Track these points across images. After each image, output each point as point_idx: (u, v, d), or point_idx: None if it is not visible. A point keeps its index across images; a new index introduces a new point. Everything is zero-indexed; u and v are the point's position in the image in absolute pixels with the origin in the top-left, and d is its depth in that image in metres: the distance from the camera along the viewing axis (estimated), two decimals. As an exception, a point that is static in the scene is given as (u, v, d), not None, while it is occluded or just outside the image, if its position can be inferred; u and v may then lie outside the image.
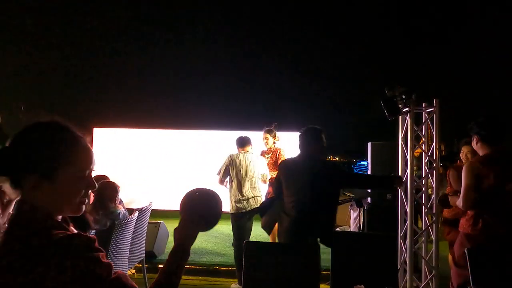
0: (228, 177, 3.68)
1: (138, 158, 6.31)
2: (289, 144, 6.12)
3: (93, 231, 2.09)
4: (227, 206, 6.41)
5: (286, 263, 2.16)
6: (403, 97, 3.44)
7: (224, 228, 5.54)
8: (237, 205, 3.59)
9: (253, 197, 3.64)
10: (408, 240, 3.23)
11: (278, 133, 4.30)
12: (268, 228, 2.99)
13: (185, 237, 0.92)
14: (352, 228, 4.58)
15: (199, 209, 0.95)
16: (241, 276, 2.45)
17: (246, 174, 3.62)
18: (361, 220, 4.20)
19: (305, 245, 2.22)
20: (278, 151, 4.16)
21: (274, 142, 4.21)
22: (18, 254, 0.70)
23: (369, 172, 4.33)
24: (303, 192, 2.45)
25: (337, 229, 4.84)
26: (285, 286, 2.13)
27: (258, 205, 3.56)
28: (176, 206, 0.96)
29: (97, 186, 0.87)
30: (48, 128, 0.80)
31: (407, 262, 3.19)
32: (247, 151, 3.70)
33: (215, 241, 4.81)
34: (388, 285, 1.55)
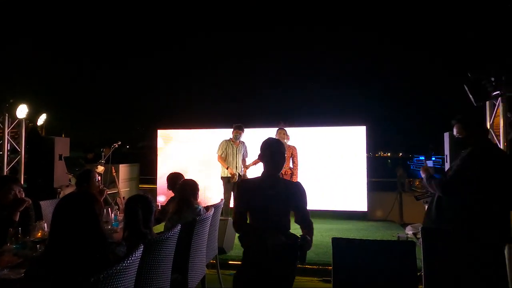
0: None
1: (199, 157, 6.47)
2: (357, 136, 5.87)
3: (179, 227, 2.11)
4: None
5: (379, 262, 2.01)
6: (492, 79, 3.10)
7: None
8: None
9: None
10: None
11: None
12: None
13: None
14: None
15: None
16: None
17: None
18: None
19: (399, 242, 2.05)
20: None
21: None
22: None
23: (446, 166, 3.97)
24: None
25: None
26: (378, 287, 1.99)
27: None
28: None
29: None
30: None
31: None
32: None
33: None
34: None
